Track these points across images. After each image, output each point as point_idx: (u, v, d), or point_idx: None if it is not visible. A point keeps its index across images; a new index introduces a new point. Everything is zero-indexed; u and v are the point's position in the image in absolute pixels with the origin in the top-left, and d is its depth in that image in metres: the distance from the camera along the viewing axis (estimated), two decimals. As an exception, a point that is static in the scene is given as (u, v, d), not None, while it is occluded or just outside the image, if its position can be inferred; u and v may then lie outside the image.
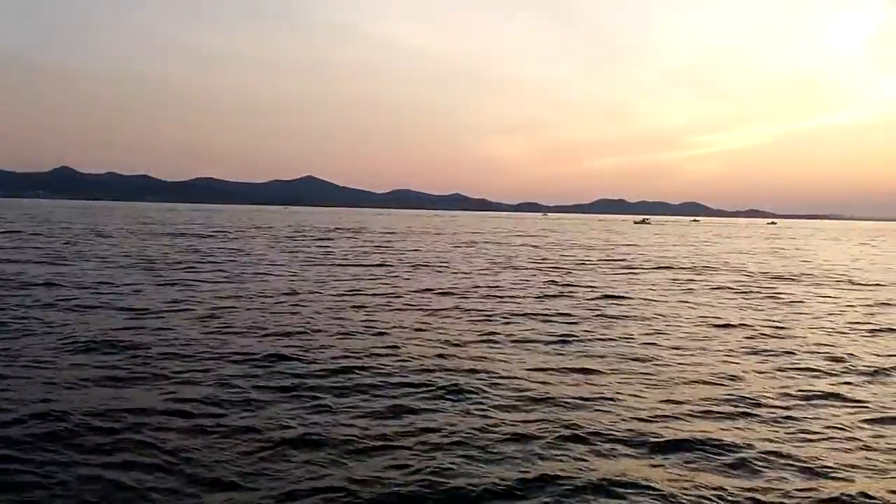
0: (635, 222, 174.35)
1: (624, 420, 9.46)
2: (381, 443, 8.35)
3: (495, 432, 8.76)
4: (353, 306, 19.48)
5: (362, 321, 17.04)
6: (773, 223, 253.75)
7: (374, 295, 22.11)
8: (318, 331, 15.48)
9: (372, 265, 33.70)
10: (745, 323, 18.46)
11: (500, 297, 22.52)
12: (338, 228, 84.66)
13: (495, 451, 8.17)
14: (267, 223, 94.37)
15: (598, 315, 19.13)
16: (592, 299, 22.47)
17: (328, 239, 58.99)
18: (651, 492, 7.15)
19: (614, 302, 22.03)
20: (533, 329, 16.61)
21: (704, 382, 11.81)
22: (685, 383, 11.66)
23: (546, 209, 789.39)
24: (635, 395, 10.76)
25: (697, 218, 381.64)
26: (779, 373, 12.72)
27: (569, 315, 18.88)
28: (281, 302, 19.82)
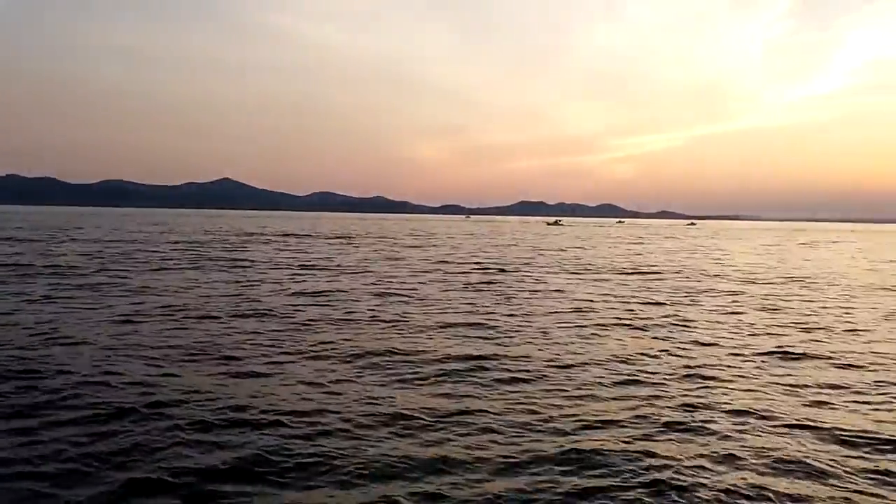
0: (547, 223, 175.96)
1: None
2: None
3: None
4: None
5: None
6: (692, 224, 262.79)
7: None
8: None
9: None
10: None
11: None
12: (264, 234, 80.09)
13: None
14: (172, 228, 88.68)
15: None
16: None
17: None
18: None
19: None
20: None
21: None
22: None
23: (468, 211, 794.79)
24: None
25: (623, 220, 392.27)
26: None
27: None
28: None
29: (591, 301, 22.46)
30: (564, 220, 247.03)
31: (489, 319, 17.98)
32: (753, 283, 30.25)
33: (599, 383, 11.38)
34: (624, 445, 8.30)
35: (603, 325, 17.48)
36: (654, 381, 11.66)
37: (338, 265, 34.93)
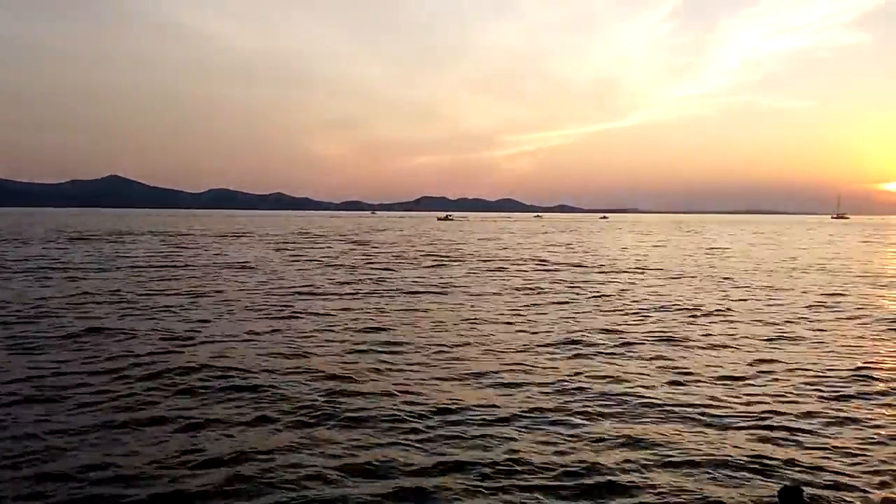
0: (438, 218, 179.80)
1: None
2: None
3: None
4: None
5: None
6: (604, 217, 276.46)
7: None
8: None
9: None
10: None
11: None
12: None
13: None
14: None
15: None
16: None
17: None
18: None
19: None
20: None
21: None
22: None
23: (371, 207, 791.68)
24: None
25: (540, 214, 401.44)
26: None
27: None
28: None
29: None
30: (470, 215, 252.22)
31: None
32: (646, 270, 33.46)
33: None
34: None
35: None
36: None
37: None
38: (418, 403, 10.12)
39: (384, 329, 16.44)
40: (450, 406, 10.02)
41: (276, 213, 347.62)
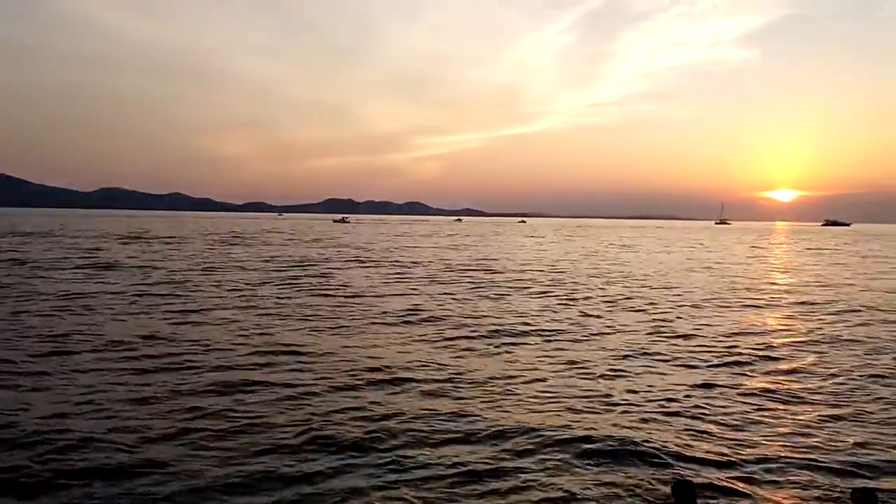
0: (334, 220, 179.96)
1: None
2: None
3: None
4: None
5: None
6: (523, 221, 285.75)
7: None
8: None
9: None
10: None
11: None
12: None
13: None
14: None
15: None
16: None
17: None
18: None
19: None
20: None
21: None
22: None
23: (275, 209, 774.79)
24: None
25: (461, 217, 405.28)
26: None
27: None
28: None
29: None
30: (377, 217, 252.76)
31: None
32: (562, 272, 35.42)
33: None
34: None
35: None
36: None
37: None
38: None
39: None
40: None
41: (174, 214, 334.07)
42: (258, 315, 19.24)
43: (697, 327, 18.55)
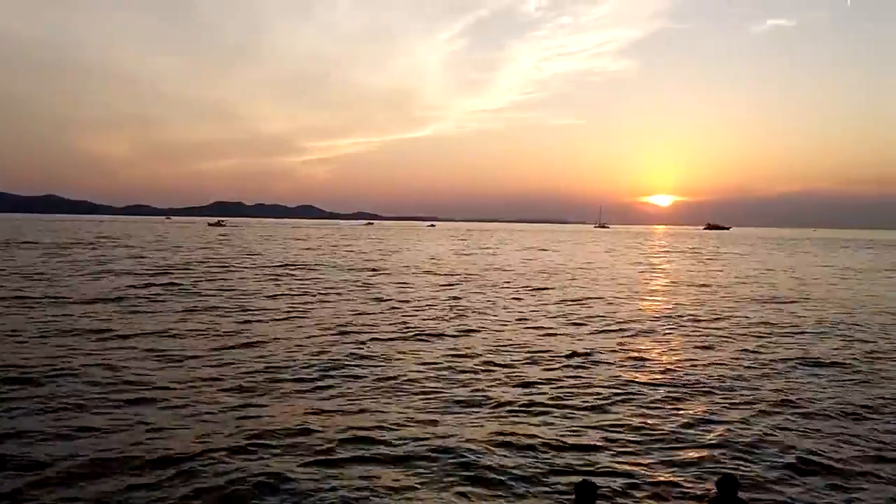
0: (209, 224, 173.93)
1: None
2: None
3: None
4: None
5: None
6: (432, 226, 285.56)
7: None
8: None
9: None
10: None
11: None
12: None
13: None
14: None
15: None
16: None
17: None
18: None
19: None
20: None
21: None
22: None
23: (160, 212, 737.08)
24: None
25: (372, 222, 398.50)
26: None
27: None
28: None
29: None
30: (269, 221, 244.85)
31: None
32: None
33: None
34: None
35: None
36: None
37: None
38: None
39: None
40: None
41: (47, 217, 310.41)
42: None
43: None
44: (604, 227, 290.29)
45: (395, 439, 9.32)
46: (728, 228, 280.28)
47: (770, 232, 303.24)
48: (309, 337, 17.07)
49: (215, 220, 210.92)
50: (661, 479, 8.18)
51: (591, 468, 8.45)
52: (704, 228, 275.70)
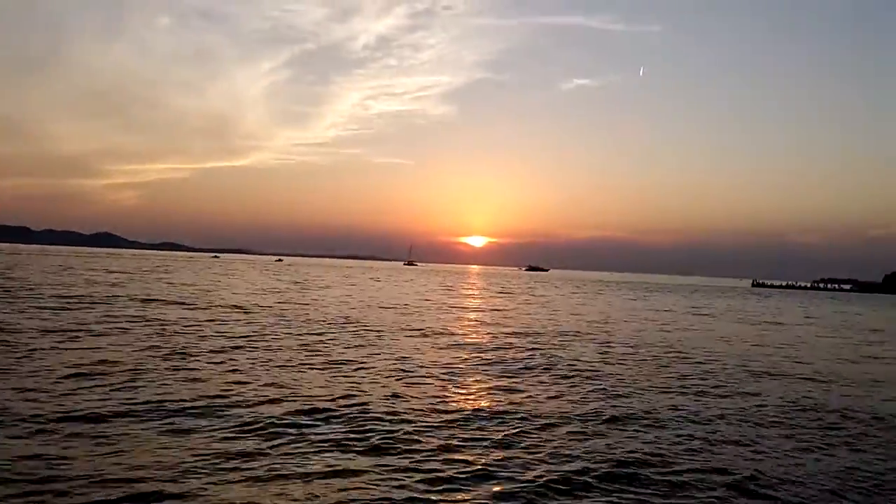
0: None
1: None
2: None
3: None
4: None
5: None
6: (279, 260, 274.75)
7: None
8: None
9: None
10: None
11: None
12: None
13: None
14: None
15: None
16: None
17: None
18: None
19: None
20: None
21: None
22: None
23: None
24: None
25: (217, 255, 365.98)
26: None
27: None
28: None
29: None
30: (63, 249, 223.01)
31: None
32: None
33: None
34: None
35: None
36: None
37: None
38: None
39: None
40: None
41: None
42: None
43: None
44: (412, 264, 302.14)
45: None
46: (547, 270, 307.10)
47: (581, 274, 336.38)
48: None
49: None
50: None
51: None
52: (525, 269, 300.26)
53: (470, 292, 77.86)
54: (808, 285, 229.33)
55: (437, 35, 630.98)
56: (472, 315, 41.93)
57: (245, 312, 35.31)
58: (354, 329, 29.31)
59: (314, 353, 21.26)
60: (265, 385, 15.50)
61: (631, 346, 27.28)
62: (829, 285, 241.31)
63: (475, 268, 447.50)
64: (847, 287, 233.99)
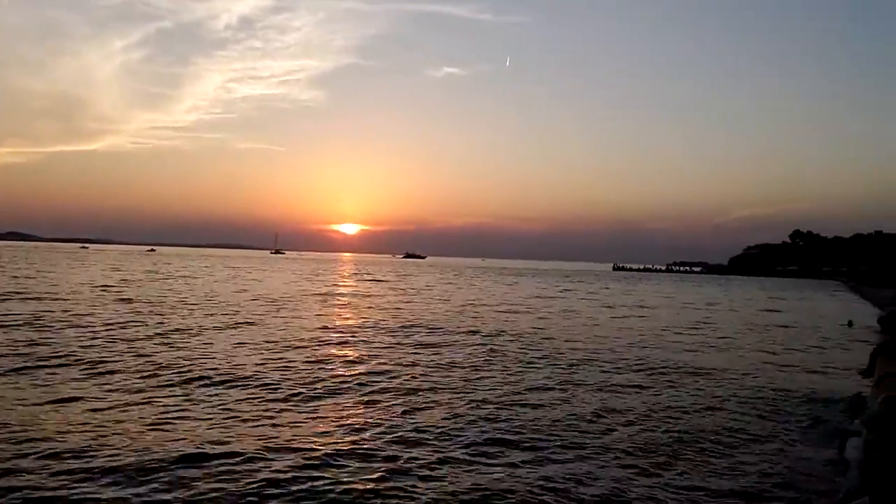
0: None
1: None
2: None
3: None
4: None
5: None
6: (152, 250, 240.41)
7: None
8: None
9: None
10: None
11: None
12: None
13: None
14: None
15: None
16: None
17: None
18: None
19: None
20: None
21: None
22: None
23: None
24: None
25: (86, 245, 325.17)
26: None
27: None
28: None
29: None
30: None
31: None
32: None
33: None
34: None
35: None
36: None
37: None
38: None
39: None
40: None
41: None
42: None
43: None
44: (280, 252, 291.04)
45: None
46: (424, 257, 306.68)
47: (456, 261, 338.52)
48: None
49: None
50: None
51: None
52: (404, 257, 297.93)
53: (338, 282, 75.09)
54: (664, 268, 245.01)
55: (303, 18, 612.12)
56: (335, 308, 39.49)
57: None
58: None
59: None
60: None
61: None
62: (681, 268, 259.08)
63: (348, 255, 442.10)
64: (697, 269, 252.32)
